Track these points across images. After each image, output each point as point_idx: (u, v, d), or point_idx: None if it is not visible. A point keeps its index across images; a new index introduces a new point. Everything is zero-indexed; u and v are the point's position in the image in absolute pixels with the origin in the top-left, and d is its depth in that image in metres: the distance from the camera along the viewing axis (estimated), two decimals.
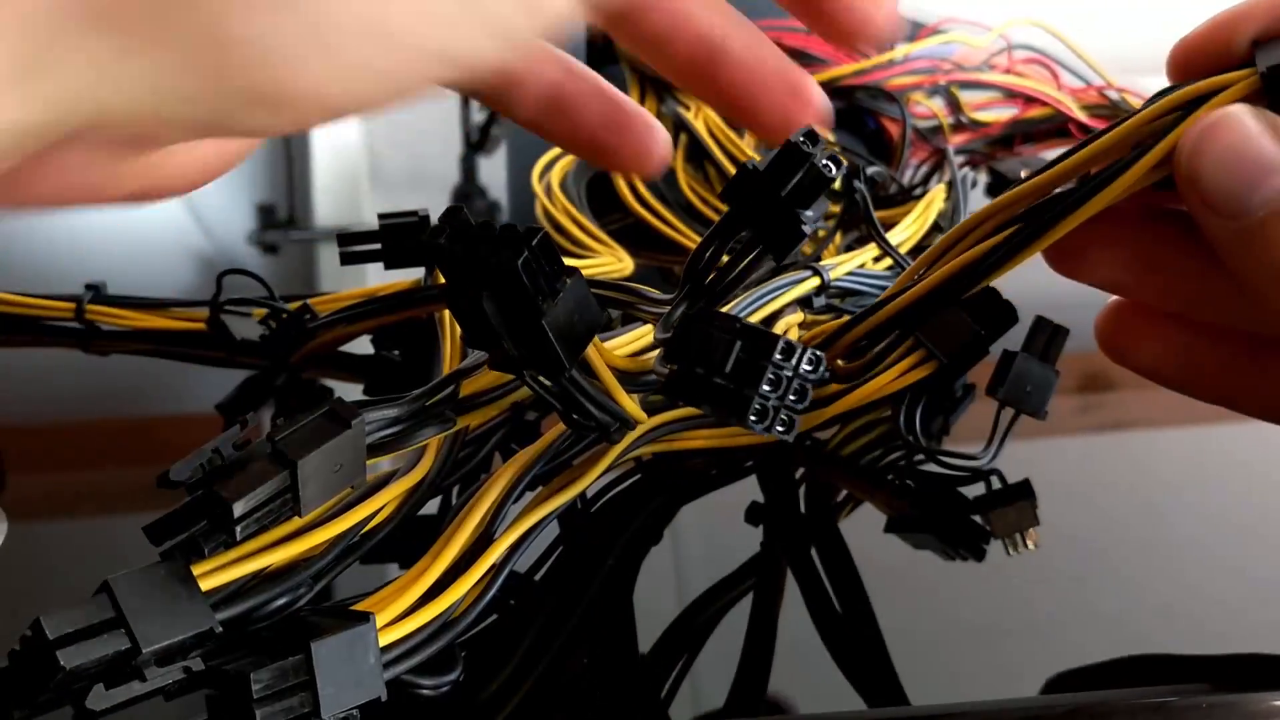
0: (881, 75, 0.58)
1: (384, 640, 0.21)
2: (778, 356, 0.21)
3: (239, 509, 0.19)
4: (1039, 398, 0.29)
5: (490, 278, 0.20)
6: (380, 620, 0.21)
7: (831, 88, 0.58)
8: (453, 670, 0.22)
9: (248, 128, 0.18)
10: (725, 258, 0.24)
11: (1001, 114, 0.60)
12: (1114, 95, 0.59)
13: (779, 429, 0.21)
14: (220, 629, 0.19)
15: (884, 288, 0.35)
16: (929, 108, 0.58)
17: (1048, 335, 0.30)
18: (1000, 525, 0.29)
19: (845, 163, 0.20)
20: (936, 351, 0.28)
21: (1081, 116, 0.58)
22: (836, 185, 0.22)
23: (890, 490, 0.32)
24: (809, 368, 0.21)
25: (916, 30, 0.62)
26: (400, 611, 0.22)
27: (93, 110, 0.16)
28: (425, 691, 0.22)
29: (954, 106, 0.59)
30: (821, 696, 0.24)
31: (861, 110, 0.59)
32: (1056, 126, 0.60)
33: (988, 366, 0.30)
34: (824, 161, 0.21)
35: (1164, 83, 0.25)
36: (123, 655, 0.18)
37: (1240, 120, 0.21)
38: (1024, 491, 0.30)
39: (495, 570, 0.24)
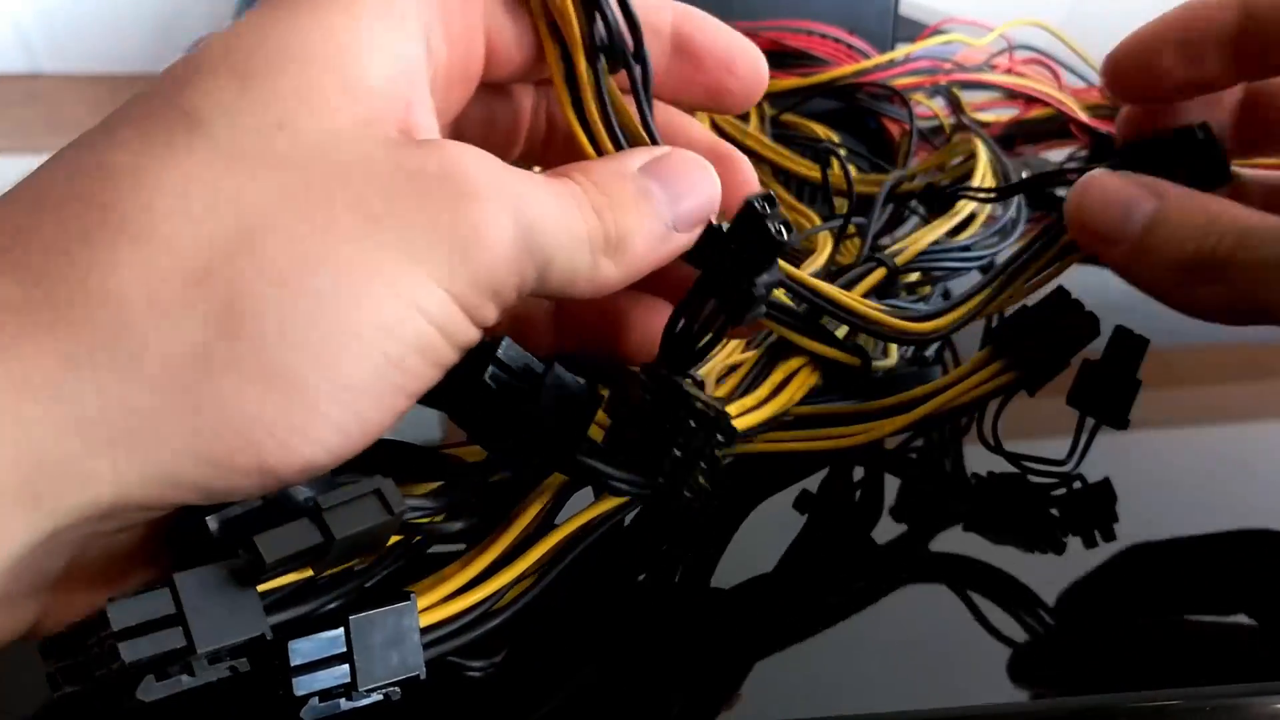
0: (882, 75, 0.58)
1: (427, 621, 0.21)
2: (682, 412, 0.22)
3: (269, 560, 0.19)
4: (1120, 408, 0.29)
5: (472, 394, 0.22)
6: (424, 602, 0.21)
7: (832, 87, 0.58)
8: (500, 653, 0.22)
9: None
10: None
11: (1003, 114, 0.61)
12: None
13: (688, 494, 0.22)
14: (271, 635, 0.19)
15: (963, 258, 0.36)
16: (930, 108, 0.58)
17: (1129, 345, 0.29)
18: None
19: (796, 230, 0.21)
20: (1016, 363, 0.29)
21: (1083, 117, 0.58)
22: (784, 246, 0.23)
23: (970, 490, 0.32)
24: (719, 434, 0.22)
25: (917, 30, 0.62)
26: (446, 594, 0.22)
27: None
28: (473, 673, 0.22)
29: (955, 107, 0.60)
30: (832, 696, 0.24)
31: (862, 110, 0.59)
32: (1058, 127, 0.60)
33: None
34: (777, 226, 0.22)
35: None
36: (177, 652, 0.18)
37: (1101, 175, 0.29)
38: (1105, 492, 0.31)
39: (549, 561, 0.24)
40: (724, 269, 0.24)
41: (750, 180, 0.28)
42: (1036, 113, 0.60)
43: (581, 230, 0.22)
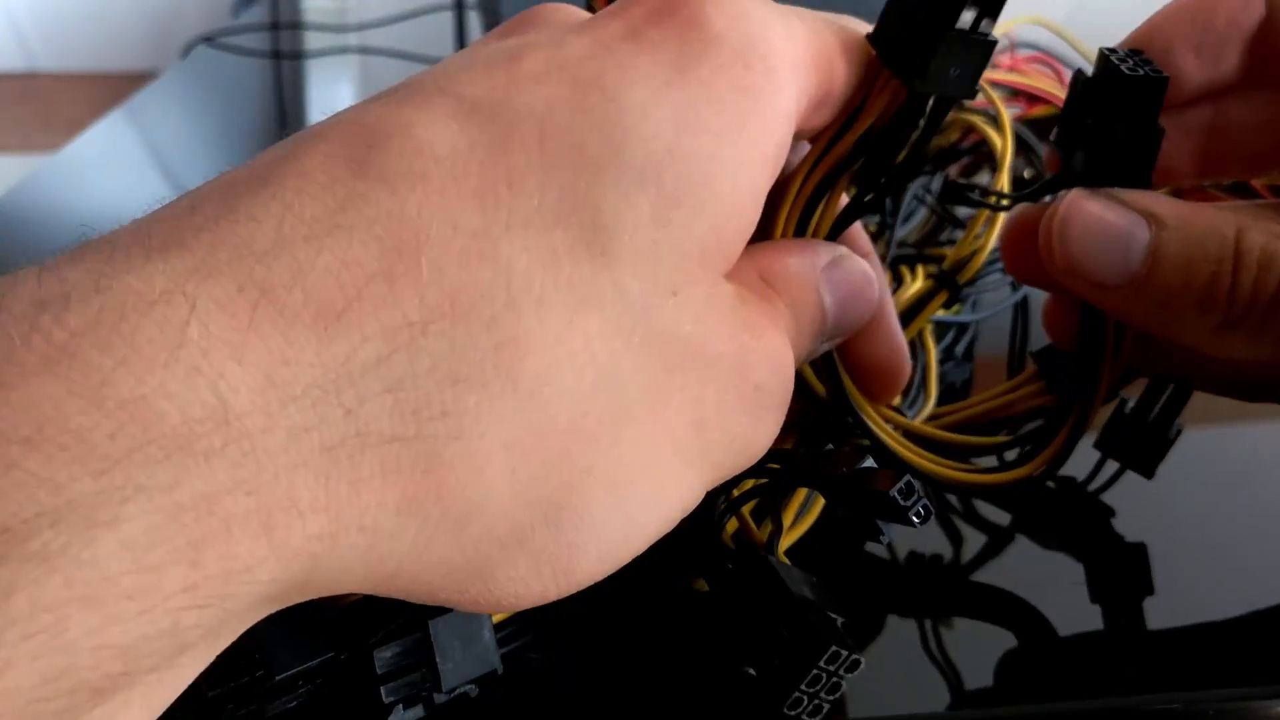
0: None
1: (497, 619, 0.21)
2: (823, 661, 0.21)
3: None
4: (1151, 458, 0.28)
5: None
6: None
7: None
8: (559, 643, 0.23)
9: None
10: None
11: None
12: None
13: (806, 717, 0.22)
14: (344, 656, 0.20)
15: None
16: None
17: (1167, 393, 0.27)
18: None
19: (933, 513, 0.22)
20: (1057, 386, 0.28)
21: None
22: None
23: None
24: (847, 672, 0.21)
25: None
26: None
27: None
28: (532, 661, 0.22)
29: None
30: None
31: None
32: None
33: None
34: (917, 510, 0.22)
35: None
36: (256, 681, 0.18)
37: (1082, 205, 0.23)
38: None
39: None
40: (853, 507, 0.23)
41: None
42: (1039, 111, 0.60)
43: None
